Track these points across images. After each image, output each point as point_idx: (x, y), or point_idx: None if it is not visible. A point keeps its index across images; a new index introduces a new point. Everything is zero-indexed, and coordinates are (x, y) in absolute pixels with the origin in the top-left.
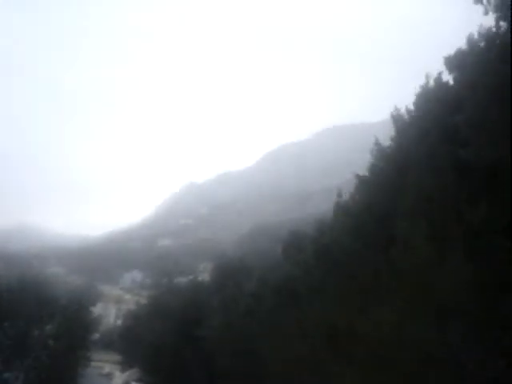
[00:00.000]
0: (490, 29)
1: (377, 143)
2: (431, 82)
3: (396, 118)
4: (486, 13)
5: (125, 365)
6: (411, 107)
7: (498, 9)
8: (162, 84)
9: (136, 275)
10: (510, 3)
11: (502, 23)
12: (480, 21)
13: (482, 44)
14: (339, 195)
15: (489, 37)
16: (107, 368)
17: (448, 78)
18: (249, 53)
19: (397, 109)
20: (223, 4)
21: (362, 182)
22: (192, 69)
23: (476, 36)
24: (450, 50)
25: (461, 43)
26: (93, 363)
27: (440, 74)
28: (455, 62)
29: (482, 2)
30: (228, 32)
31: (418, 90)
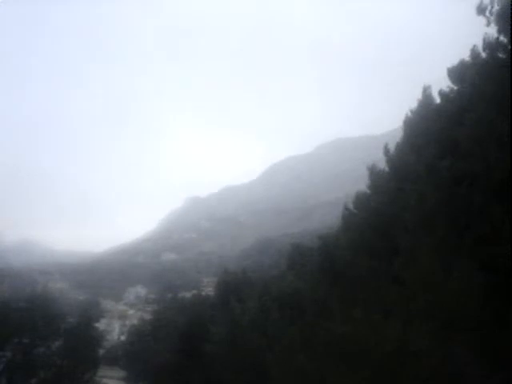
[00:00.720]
0: (491, 40)
1: (385, 149)
2: (431, 94)
3: (405, 128)
4: (488, 24)
5: (129, 381)
6: (411, 118)
7: (498, 21)
8: (167, 97)
9: (140, 290)
10: (509, 15)
11: (503, 35)
12: (482, 32)
13: (484, 55)
14: (345, 208)
15: (490, 49)
16: None
17: (447, 89)
18: (252, 66)
19: (408, 117)
20: (219, 13)
21: (365, 194)
22: (197, 81)
23: (479, 48)
24: (453, 60)
25: (463, 54)
26: (97, 379)
27: (439, 86)
28: (457, 74)
29: (484, 14)
30: (232, 43)
31: (418, 101)
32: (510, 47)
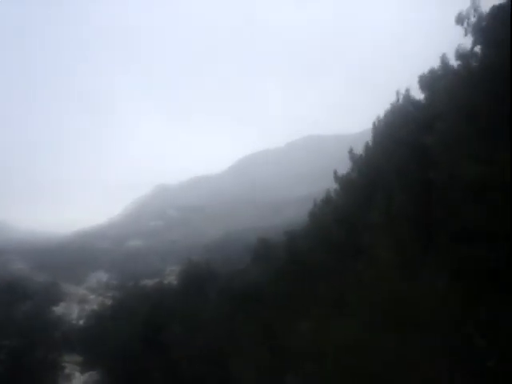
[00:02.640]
0: (465, 51)
1: (351, 153)
2: (401, 99)
3: (375, 131)
4: (466, 34)
5: (85, 366)
6: (383, 122)
7: (474, 32)
8: (140, 83)
9: (102, 275)
10: (484, 27)
11: (477, 46)
12: (453, 40)
13: (457, 65)
14: (314, 204)
15: (464, 58)
16: (67, 368)
17: (417, 94)
18: (228, 57)
19: (379, 119)
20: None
21: (334, 191)
22: (171, 68)
23: (451, 56)
24: (426, 67)
25: (434, 62)
26: (54, 363)
27: (407, 90)
28: (428, 82)
29: (462, 24)
30: (208, 34)
31: (390, 106)
32: (485, 58)
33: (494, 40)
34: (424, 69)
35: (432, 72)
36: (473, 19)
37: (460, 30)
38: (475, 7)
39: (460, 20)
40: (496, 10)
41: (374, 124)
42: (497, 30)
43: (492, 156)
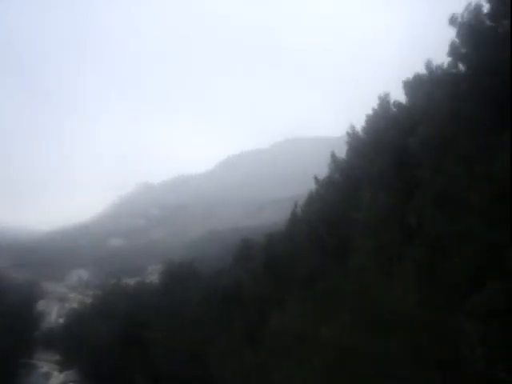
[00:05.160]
0: (456, 52)
1: (333, 156)
2: (385, 103)
3: (351, 136)
4: (458, 35)
5: (64, 365)
6: (366, 126)
7: (462, 34)
8: (125, 81)
9: (83, 273)
10: (474, 29)
11: (464, 48)
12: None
13: (440, 71)
14: (295, 205)
15: (454, 60)
16: (45, 367)
17: (399, 98)
18: (214, 56)
19: (352, 126)
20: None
21: (317, 193)
22: (156, 62)
23: (439, 59)
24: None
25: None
26: (32, 362)
27: (387, 94)
28: (412, 87)
29: (455, 24)
30: (202, 24)
31: (373, 109)
32: (471, 61)
33: (481, 43)
34: (410, 72)
35: (416, 77)
36: (463, 20)
37: (451, 31)
38: (468, 9)
39: (453, 21)
40: (481, 14)
41: (351, 127)
42: (484, 34)
43: (477, 156)
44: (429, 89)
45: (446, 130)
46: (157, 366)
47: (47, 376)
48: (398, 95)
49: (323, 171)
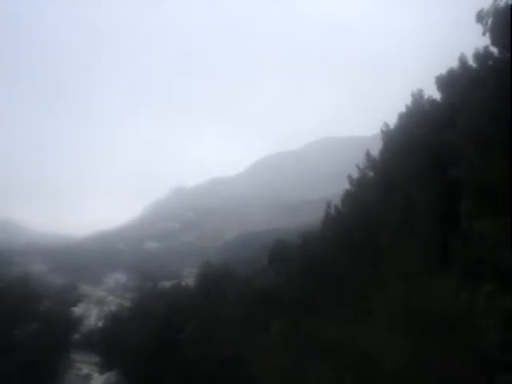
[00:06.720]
0: (484, 50)
1: (367, 154)
2: (418, 100)
3: (386, 133)
4: (484, 33)
5: (104, 367)
6: (399, 123)
7: (492, 31)
8: (157, 85)
9: (120, 277)
10: (503, 27)
11: (494, 46)
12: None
13: (475, 65)
14: (328, 206)
15: (482, 58)
16: (86, 369)
17: (432, 96)
18: (246, 60)
19: (386, 124)
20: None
21: (350, 194)
22: (187, 69)
23: (470, 56)
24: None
25: (452, 62)
26: (72, 364)
27: (421, 91)
28: (447, 82)
29: (482, 22)
30: (227, 31)
31: (406, 106)
32: (503, 57)
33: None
34: (439, 69)
35: (450, 72)
36: (491, 18)
37: (476, 29)
38: (496, 5)
39: (480, 18)
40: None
41: (386, 125)
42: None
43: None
44: (464, 84)
45: (487, 126)
46: (193, 368)
47: (88, 378)
48: (430, 92)
49: (356, 171)
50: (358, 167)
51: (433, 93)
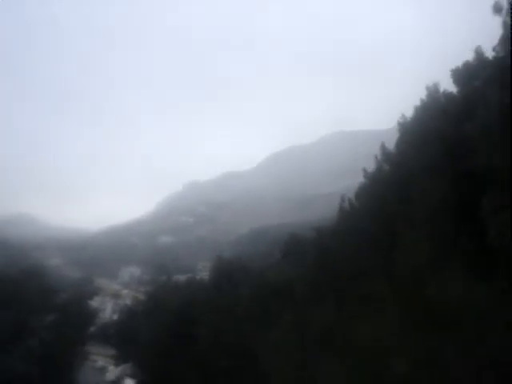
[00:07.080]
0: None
1: (382, 147)
2: (434, 93)
3: (403, 125)
4: (504, 25)
5: (119, 359)
6: (415, 116)
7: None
8: (168, 80)
9: (134, 270)
10: None
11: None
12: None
13: (492, 57)
14: (343, 200)
15: (500, 50)
16: (101, 361)
17: (447, 89)
18: (259, 54)
19: (404, 116)
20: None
21: (365, 187)
22: (197, 64)
23: (482, 48)
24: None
25: (466, 55)
26: (87, 355)
27: (436, 84)
28: (462, 76)
29: (500, 13)
30: (239, 30)
31: (421, 99)
32: None
33: None
34: (449, 64)
35: (467, 65)
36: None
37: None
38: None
39: (498, 9)
40: None
41: (403, 117)
42: None
43: None
44: (480, 77)
45: (502, 116)
46: (207, 361)
47: (103, 370)
48: (445, 85)
49: (371, 164)
50: (376, 158)
51: (448, 86)
